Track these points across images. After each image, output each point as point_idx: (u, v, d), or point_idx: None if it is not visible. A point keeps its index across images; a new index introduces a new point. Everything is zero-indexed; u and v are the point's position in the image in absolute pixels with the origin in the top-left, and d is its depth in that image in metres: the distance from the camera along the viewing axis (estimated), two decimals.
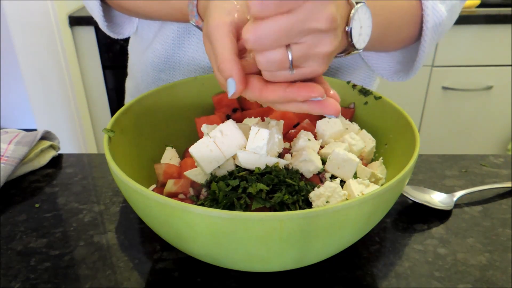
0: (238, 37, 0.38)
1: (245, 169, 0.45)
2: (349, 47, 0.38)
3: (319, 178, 0.47)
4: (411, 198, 0.54)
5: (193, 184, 0.48)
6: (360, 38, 0.37)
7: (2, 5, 1.51)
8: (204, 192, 0.47)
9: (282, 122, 0.52)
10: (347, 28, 0.35)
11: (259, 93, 0.36)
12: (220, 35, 0.36)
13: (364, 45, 0.38)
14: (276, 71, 0.34)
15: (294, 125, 0.56)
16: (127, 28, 0.72)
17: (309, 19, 0.30)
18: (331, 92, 0.37)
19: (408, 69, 0.63)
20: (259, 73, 0.37)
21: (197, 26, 0.49)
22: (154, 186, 0.52)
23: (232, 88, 0.35)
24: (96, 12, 0.65)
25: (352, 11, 0.35)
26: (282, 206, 0.42)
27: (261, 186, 0.42)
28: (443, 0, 0.55)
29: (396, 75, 0.66)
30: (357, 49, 0.38)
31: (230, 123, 0.46)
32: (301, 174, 0.46)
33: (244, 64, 0.37)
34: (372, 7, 0.39)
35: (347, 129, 0.54)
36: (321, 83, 0.37)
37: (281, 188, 0.43)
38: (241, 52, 0.38)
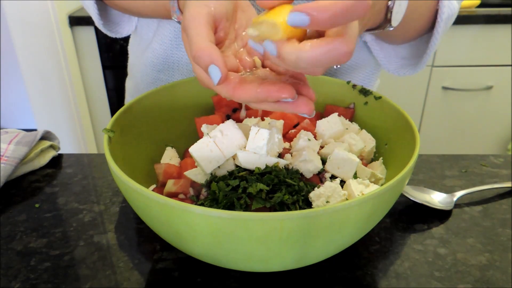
0: (215, 29, 0.37)
1: (245, 169, 0.45)
2: (384, 23, 0.38)
3: (319, 178, 0.47)
4: (411, 198, 0.54)
5: (193, 184, 0.48)
6: (397, 15, 0.37)
7: (2, 5, 1.51)
8: (204, 192, 0.47)
9: (282, 122, 0.52)
10: (389, 3, 0.35)
11: (232, 92, 0.35)
12: (195, 25, 0.35)
13: (397, 24, 0.37)
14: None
15: (294, 125, 0.56)
16: (126, 27, 0.72)
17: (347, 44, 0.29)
18: (309, 91, 0.35)
19: (415, 64, 0.65)
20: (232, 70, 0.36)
21: (179, 22, 0.49)
22: (154, 186, 0.52)
23: (217, 74, 0.33)
24: (91, 10, 0.65)
25: None
26: (282, 206, 0.42)
27: (261, 186, 0.42)
28: None
29: (403, 69, 0.67)
30: (391, 26, 0.37)
31: (230, 123, 0.46)
32: (301, 174, 0.46)
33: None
34: None
35: (347, 129, 0.54)
36: (301, 79, 0.36)
37: (281, 188, 0.43)
38: (218, 46, 0.37)
